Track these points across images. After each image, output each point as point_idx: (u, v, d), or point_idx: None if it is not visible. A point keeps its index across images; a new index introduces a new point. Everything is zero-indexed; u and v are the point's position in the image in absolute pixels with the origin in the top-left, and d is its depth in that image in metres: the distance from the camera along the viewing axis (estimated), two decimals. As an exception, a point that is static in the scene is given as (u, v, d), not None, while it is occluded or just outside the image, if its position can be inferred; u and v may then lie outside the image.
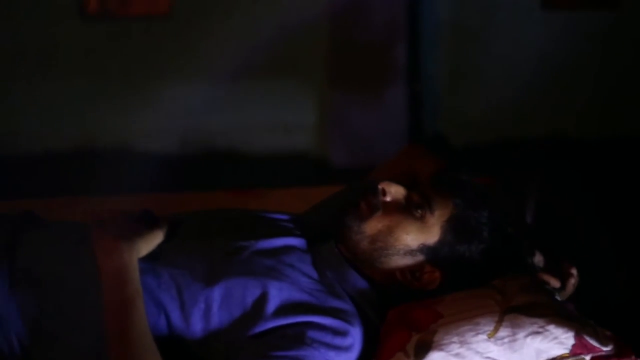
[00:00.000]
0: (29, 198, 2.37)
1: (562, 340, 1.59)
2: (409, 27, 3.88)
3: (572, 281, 1.81)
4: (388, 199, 1.73)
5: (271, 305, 1.61)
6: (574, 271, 1.82)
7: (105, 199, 2.40)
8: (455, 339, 1.59)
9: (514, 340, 1.59)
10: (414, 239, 1.70)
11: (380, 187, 1.74)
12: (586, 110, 4.18)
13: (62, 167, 3.90)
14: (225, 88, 4.02)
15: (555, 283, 1.80)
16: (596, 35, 4.06)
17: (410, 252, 1.71)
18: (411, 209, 1.72)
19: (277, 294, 1.63)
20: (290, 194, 2.47)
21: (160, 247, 1.71)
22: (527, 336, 1.59)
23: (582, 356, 1.60)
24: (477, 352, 1.58)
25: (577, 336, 1.60)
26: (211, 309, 1.63)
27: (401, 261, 1.71)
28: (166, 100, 4.01)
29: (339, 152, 4.00)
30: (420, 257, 1.71)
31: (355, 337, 1.62)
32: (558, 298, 1.77)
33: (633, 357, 1.59)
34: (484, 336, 1.60)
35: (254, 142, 4.03)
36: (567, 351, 1.59)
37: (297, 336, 1.57)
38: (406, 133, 3.97)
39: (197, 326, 1.63)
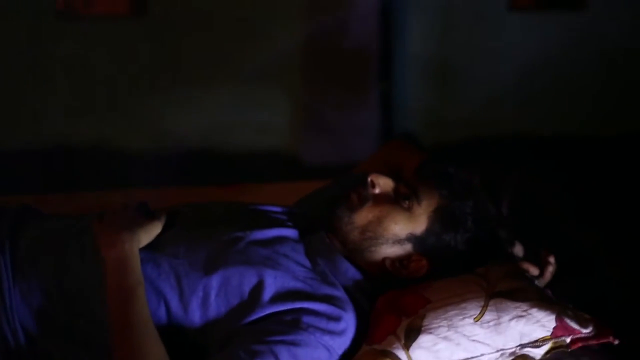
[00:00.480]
0: (19, 194, 2.42)
1: (544, 323, 1.67)
2: (381, 28, 3.95)
3: (550, 269, 1.89)
4: (377, 190, 1.81)
5: (267, 293, 1.67)
6: (551, 259, 1.89)
7: (94, 194, 2.45)
8: (443, 322, 1.67)
9: (499, 324, 1.67)
10: (402, 229, 1.78)
11: (369, 179, 1.81)
12: (557, 109, 4.28)
13: (41, 164, 3.94)
14: (200, 88, 4.09)
15: (534, 271, 1.88)
16: (563, 36, 4.15)
17: (399, 242, 1.78)
18: (399, 200, 1.79)
19: (273, 282, 1.69)
20: (273, 188, 2.54)
21: (159, 237, 1.77)
22: (511, 320, 1.67)
23: (563, 338, 1.68)
24: (464, 335, 1.66)
25: (558, 319, 1.68)
26: (209, 297, 1.68)
27: (390, 250, 1.78)
28: (142, 101, 4.06)
29: (312, 150, 4.07)
30: (408, 246, 1.78)
31: (348, 322, 1.69)
32: (537, 285, 1.85)
33: (611, 338, 1.68)
34: (471, 320, 1.67)
35: (229, 141, 4.08)
36: (548, 333, 1.68)
37: (293, 322, 1.64)
38: (378, 132, 4.04)
39: (195, 314, 1.68)
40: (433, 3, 4.09)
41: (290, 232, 1.84)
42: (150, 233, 1.75)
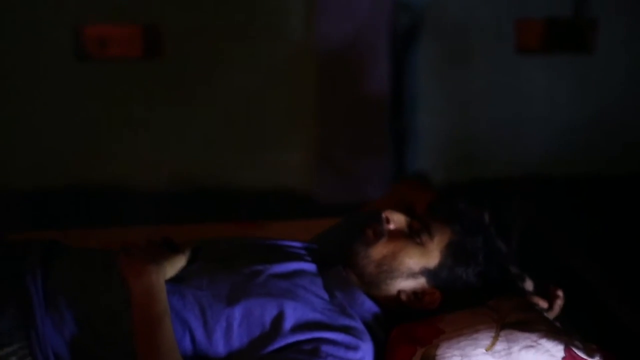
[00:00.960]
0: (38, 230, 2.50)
1: (553, 352, 1.74)
2: (393, 70, 4.05)
3: (559, 302, 1.97)
4: (392, 226, 1.90)
5: (287, 323, 1.75)
6: (560, 293, 1.98)
7: (111, 230, 2.53)
8: (456, 352, 1.74)
9: (510, 354, 1.74)
10: (416, 263, 1.86)
11: (384, 215, 1.90)
12: (563, 151, 4.36)
13: (53, 203, 4.04)
14: (214, 128, 4.19)
15: (543, 304, 1.96)
16: (570, 78, 4.26)
17: (413, 275, 1.86)
18: (413, 235, 1.88)
19: (293, 313, 1.77)
20: (286, 225, 2.61)
21: (183, 270, 1.85)
22: (521, 349, 1.74)
23: (572, 367, 1.76)
24: (476, 364, 1.73)
25: (567, 349, 1.75)
26: (232, 327, 1.76)
27: (405, 283, 1.87)
28: (155, 140, 4.16)
29: (324, 189, 4.16)
30: (422, 280, 1.86)
31: (365, 351, 1.76)
32: (547, 317, 1.92)
33: (617, 369, 1.75)
34: (482, 349, 1.74)
35: (243, 179, 4.17)
36: (557, 363, 1.75)
37: (312, 350, 1.72)
38: (390, 171, 4.13)
39: (219, 343, 1.76)
40: (441, 45, 4.18)
41: (309, 266, 1.93)
42: (175, 266, 1.84)
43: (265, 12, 4.05)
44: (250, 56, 4.08)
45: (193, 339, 1.77)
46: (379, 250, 1.88)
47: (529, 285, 2.02)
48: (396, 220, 1.90)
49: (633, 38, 4.23)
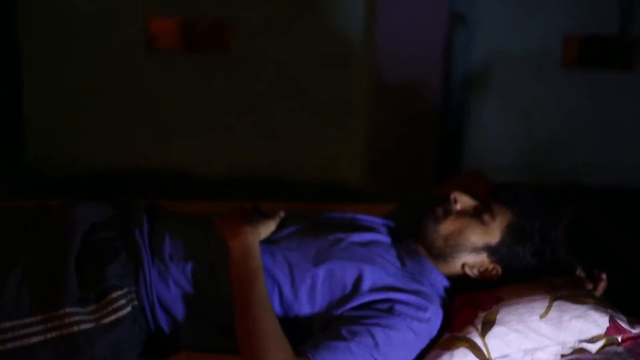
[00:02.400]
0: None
1: (599, 323, 1.96)
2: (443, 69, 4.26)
3: (603, 284, 2.18)
4: (459, 206, 2.12)
5: (365, 285, 1.97)
6: (604, 276, 2.19)
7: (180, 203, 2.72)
8: (514, 317, 1.96)
9: (561, 321, 1.95)
10: (479, 239, 2.08)
11: (452, 196, 2.13)
12: (603, 163, 4.55)
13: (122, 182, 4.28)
14: (271, 120, 4.43)
15: (588, 285, 2.17)
16: (611, 94, 4.45)
17: (476, 250, 2.09)
18: (477, 215, 2.10)
19: (370, 276, 1.99)
20: (353, 209, 2.80)
21: (273, 234, 2.09)
22: (571, 319, 1.95)
23: (615, 336, 1.97)
24: (532, 329, 1.94)
25: (611, 320, 1.96)
26: (316, 285, 1.98)
27: (468, 257, 2.09)
28: (219, 131, 4.39)
29: (375, 183, 4.37)
30: (483, 255, 2.09)
31: (433, 312, 1.98)
32: (592, 295, 2.14)
33: (657, 337, 1.97)
34: (537, 317, 1.96)
35: (297, 170, 4.40)
36: (602, 332, 1.96)
37: (388, 309, 1.93)
38: (434, 167, 4.35)
39: (303, 299, 1.98)
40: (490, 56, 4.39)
41: (383, 238, 2.15)
42: (267, 229, 2.07)
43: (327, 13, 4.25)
44: (311, 53, 4.29)
45: (281, 295, 1.99)
46: (446, 227, 2.10)
47: (575, 267, 2.23)
48: (463, 201, 2.13)
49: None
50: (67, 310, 1.88)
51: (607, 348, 1.99)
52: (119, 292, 1.94)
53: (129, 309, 1.94)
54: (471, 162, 4.48)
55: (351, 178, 4.39)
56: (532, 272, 2.12)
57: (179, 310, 1.99)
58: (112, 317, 1.92)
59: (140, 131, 4.37)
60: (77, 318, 1.88)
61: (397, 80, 4.17)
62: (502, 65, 4.39)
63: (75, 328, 1.87)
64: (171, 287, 1.99)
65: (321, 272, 1.99)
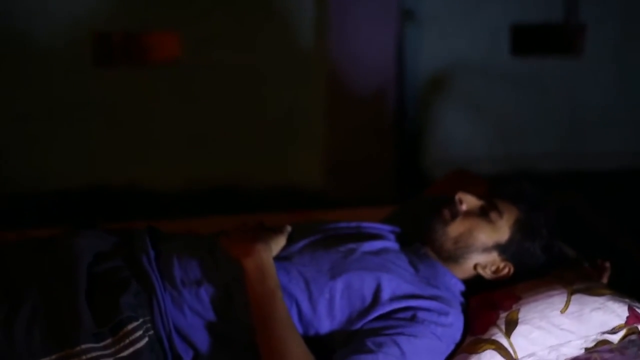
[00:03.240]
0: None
1: (618, 313, 1.97)
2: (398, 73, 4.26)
3: (607, 273, 2.20)
4: (464, 207, 2.11)
5: (385, 294, 1.95)
6: (607, 265, 2.21)
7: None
8: (535, 314, 1.96)
9: (581, 315, 1.96)
10: (489, 238, 2.08)
11: (457, 197, 2.12)
12: (557, 150, 4.62)
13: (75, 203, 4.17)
14: (227, 130, 4.37)
15: (594, 274, 2.19)
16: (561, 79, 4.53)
17: (487, 250, 2.08)
18: (484, 214, 2.10)
19: (389, 285, 1.96)
20: (324, 215, 2.77)
21: (284, 249, 2.04)
22: (591, 311, 1.96)
23: (636, 325, 1.99)
24: (554, 325, 1.95)
25: (630, 309, 1.98)
26: (335, 298, 1.94)
27: (479, 257, 2.09)
28: (173, 144, 4.32)
29: (334, 186, 4.36)
30: (494, 254, 2.08)
31: (454, 316, 1.97)
32: (601, 285, 2.16)
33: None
34: (558, 312, 1.96)
35: (256, 179, 4.36)
36: (623, 322, 1.97)
37: (411, 317, 1.91)
38: (394, 167, 4.35)
39: (322, 314, 1.94)
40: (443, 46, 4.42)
41: (392, 244, 2.13)
42: (278, 244, 2.03)
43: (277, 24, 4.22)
44: (264, 63, 4.25)
45: (299, 311, 1.94)
46: (455, 228, 2.09)
47: (580, 258, 2.24)
48: (469, 201, 2.12)
49: (621, 42, 4.50)
50: (83, 346, 1.82)
51: (629, 337, 2.00)
52: (135, 324, 1.88)
53: (146, 339, 1.88)
54: (431, 159, 4.50)
55: (311, 184, 4.36)
56: (542, 267, 2.11)
57: (197, 337, 1.94)
58: (130, 350, 1.85)
59: (91, 148, 4.27)
60: (94, 354, 1.82)
61: (352, 84, 4.17)
62: (454, 61, 4.42)
63: (95, 365, 1.80)
64: (187, 313, 1.94)
65: (339, 284, 1.96)
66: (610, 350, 2.05)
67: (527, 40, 4.43)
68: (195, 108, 4.25)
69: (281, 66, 4.22)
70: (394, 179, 4.26)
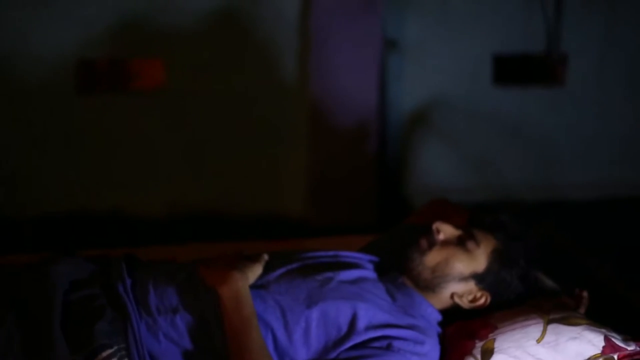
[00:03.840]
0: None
1: (594, 342, 1.98)
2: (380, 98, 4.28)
3: (585, 302, 2.21)
4: (442, 236, 2.12)
5: (361, 323, 1.95)
6: (585, 294, 2.22)
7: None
8: (512, 344, 1.96)
9: (557, 344, 1.96)
10: (466, 268, 2.08)
11: (434, 226, 2.13)
12: (536, 178, 4.65)
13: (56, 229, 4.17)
14: (209, 157, 4.37)
15: (571, 303, 2.19)
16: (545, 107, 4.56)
17: (464, 279, 2.09)
18: (461, 244, 2.10)
19: (365, 314, 1.96)
20: (306, 243, 2.77)
21: (260, 277, 2.04)
22: (567, 340, 1.97)
23: (612, 355, 1.99)
24: (530, 354, 1.95)
25: (606, 339, 1.99)
26: (310, 327, 1.94)
27: (456, 287, 2.09)
28: (155, 171, 4.32)
29: (318, 212, 4.37)
30: (471, 283, 2.09)
31: (430, 346, 1.97)
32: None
33: (652, 353, 2.00)
34: (534, 341, 1.97)
35: (240, 206, 4.36)
36: (599, 351, 1.98)
37: (387, 346, 1.92)
38: (376, 196, 4.36)
39: (298, 343, 1.94)
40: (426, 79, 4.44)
41: (370, 273, 2.14)
42: (255, 273, 2.03)
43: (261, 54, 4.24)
44: (247, 91, 4.27)
45: (275, 340, 1.94)
46: (432, 258, 2.09)
47: (557, 287, 2.25)
48: (446, 230, 2.12)
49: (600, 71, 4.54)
50: (57, 374, 1.80)
51: (605, 367, 2.01)
52: (109, 351, 1.88)
53: (120, 367, 1.86)
54: (413, 188, 4.51)
55: (292, 211, 4.37)
56: (519, 297, 2.12)
57: None
58: (104, 377, 1.84)
59: (73, 175, 4.26)
60: (69, 382, 1.80)
61: (335, 113, 4.19)
62: (436, 90, 4.44)
63: (69, 393, 1.79)
64: (162, 340, 1.94)
65: (314, 314, 1.96)
66: (589, 380, 2.05)
67: (509, 70, 4.45)
68: (178, 135, 4.24)
69: (264, 95, 4.23)
70: (375, 208, 4.26)
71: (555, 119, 4.56)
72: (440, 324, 2.09)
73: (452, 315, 2.11)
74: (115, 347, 1.89)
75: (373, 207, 4.28)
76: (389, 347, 1.92)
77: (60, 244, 3.86)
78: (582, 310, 2.19)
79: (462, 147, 4.49)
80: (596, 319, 2.12)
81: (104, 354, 1.87)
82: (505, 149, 4.56)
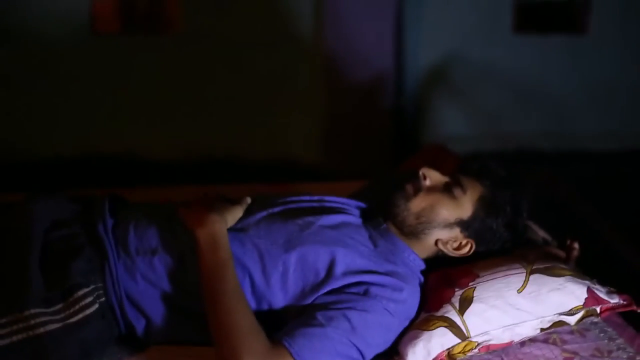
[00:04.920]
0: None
1: (577, 294, 1.94)
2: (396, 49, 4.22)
3: (575, 253, 2.16)
4: (428, 182, 2.08)
5: (339, 268, 1.93)
6: (576, 245, 2.17)
7: (139, 190, 2.66)
8: (492, 293, 1.93)
9: (538, 295, 1.93)
10: (451, 214, 2.05)
11: (421, 172, 2.09)
12: (555, 127, 4.57)
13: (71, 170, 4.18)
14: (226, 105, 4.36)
15: (561, 255, 2.15)
16: (566, 57, 4.46)
17: (449, 225, 2.05)
18: (448, 190, 2.06)
19: (343, 259, 1.94)
20: (313, 187, 2.75)
21: (241, 220, 2.02)
22: (549, 292, 1.93)
23: (594, 307, 1.96)
24: (510, 304, 1.92)
25: (589, 291, 1.95)
26: (288, 271, 1.93)
27: (441, 233, 2.05)
28: (171, 114, 4.31)
29: (331, 157, 4.34)
30: (456, 230, 2.05)
31: (409, 293, 1.94)
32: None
33: (634, 306, 1.96)
34: (514, 291, 1.93)
35: (252, 151, 4.34)
36: (581, 303, 1.94)
37: (364, 292, 1.90)
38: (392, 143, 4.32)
39: (276, 286, 1.93)
40: (444, 24, 4.36)
41: (353, 219, 2.11)
42: (234, 216, 2.01)
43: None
44: (262, 36, 4.23)
45: (252, 284, 1.93)
46: (417, 203, 2.06)
47: (547, 237, 2.21)
48: (432, 176, 2.09)
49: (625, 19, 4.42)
50: (32, 311, 1.81)
51: (586, 319, 1.97)
52: (85, 290, 1.88)
53: (96, 306, 1.88)
54: (428, 134, 4.46)
55: (307, 157, 4.35)
56: (506, 246, 2.08)
57: (148, 305, 1.94)
58: (80, 316, 1.85)
59: (88, 117, 4.28)
60: (43, 319, 1.82)
61: (350, 55, 4.13)
62: (457, 39, 4.36)
63: (42, 329, 1.80)
64: (139, 281, 1.94)
65: (293, 258, 1.95)
66: (571, 332, 2.04)
67: (531, 17, 4.35)
68: (193, 80, 4.23)
69: (280, 42, 4.18)
70: (392, 155, 4.22)
71: (576, 69, 4.45)
72: (424, 272, 2.05)
73: (437, 265, 2.08)
74: (92, 286, 1.90)
75: (390, 154, 4.23)
76: (365, 293, 1.89)
77: (72, 185, 3.90)
78: (572, 260, 2.15)
79: (479, 98, 4.42)
80: (585, 271, 2.08)
81: (80, 292, 1.87)
82: (523, 100, 4.47)
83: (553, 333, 2.02)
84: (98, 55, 4.16)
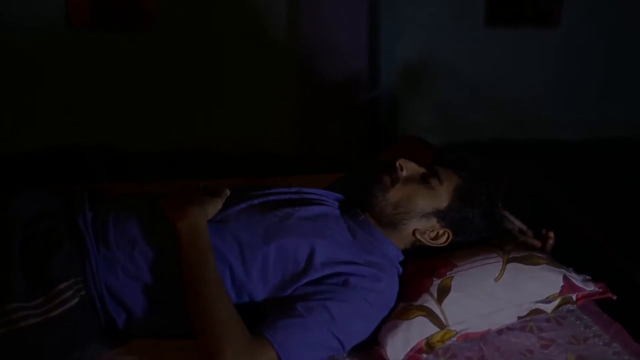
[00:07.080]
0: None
1: (553, 282, 1.98)
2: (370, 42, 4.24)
3: (551, 242, 2.19)
4: (405, 173, 2.10)
5: (318, 259, 1.94)
6: (552, 234, 2.20)
7: (116, 185, 2.66)
8: (469, 282, 1.96)
9: (515, 284, 1.96)
10: (428, 205, 2.07)
11: (398, 163, 2.11)
12: (529, 118, 4.61)
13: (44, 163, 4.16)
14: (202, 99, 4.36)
15: (537, 244, 2.18)
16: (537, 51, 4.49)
17: (426, 216, 2.07)
18: (424, 181, 2.09)
19: (322, 250, 1.96)
20: (291, 180, 2.76)
21: (220, 212, 2.03)
22: (525, 280, 1.97)
23: (570, 295, 1.99)
24: (487, 293, 1.95)
25: (565, 279, 1.98)
26: (268, 263, 1.94)
27: (418, 223, 2.08)
28: (147, 106, 4.30)
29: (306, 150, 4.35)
30: (433, 220, 2.08)
31: (387, 283, 1.97)
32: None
33: (610, 294, 1.99)
34: (492, 280, 1.96)
35: (228, 145, 4.35)
36: (557, 291, 1.98)
37: (342, 283, 1.91)
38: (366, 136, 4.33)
39: (256, 278, 1.94)
40: (418, 18, 4.38)
41: (332, 210, 2.13)
42: (214, 208, 2.02)
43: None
44: (242, 32, 4.23)
45: (233, 275, 1.94)
46: (395, 194, 2.08)
47: (523, 227, 2.23)
48: (409, 167, 2.11)
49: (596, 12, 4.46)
50: (13, 305, 1.81)
51: (563, 307, 2.00)
52: (65, 284, 1.88)
53: (76, 299, 1.88)
54: (403, 126, 4.48)
55: (282, 150, 4.35)
56: (482, 235, 2.10)
57: (129, 298, 1.94)
58: (60, 310, 1.85)
59: (64, 110, 4.26)
60: (23, 313, 1.82)
61: (326, 46, 4.13)
62: (429, 29, 4.38)
63: (23, 323, 1.81)
64: (119, 274, 1.94)
65: (272, 249, 1.96)
66: (547, 320, 2.07)
67: (503, 11, 4.38)
68: (169, 75, 4.23)
69: (255, 40, 4.19)
70: (367, 148, 4.24)
71: (547, 61, 4.49)
72: (402, 263, 2.08)
73: (415, 256, 2.10)
74: (72, 280, 1.89)
75: (365, 145, 4.25)
76: (345, 284, 1.91)
77: (50, 179, 3.88)
78: (548, 249, 2.18)
79: (452, 90, 4.45)
80: (561, 260, 2.11)
81: (60, 286, 1.87)
82: (497, 92, 4.50)
83: (530, 321, 2.04)
84: (74, 48, 4.13)
